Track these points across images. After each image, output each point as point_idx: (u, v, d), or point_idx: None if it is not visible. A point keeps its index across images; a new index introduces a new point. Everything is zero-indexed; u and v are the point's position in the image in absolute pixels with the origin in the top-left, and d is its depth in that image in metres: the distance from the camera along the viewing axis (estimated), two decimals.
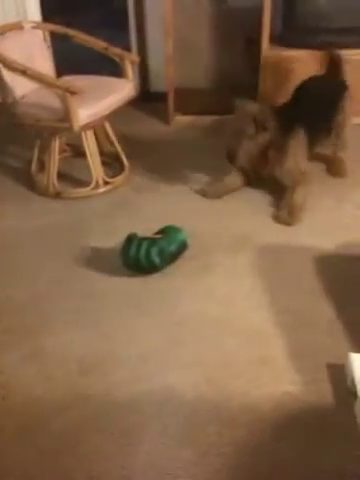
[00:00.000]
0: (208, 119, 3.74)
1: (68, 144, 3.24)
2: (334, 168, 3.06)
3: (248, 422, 1.62)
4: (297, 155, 2.70)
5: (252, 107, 2.65)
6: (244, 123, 2.57)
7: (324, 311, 2.02)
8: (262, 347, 1.88)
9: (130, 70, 2.97)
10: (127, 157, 3.12)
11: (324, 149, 3.04)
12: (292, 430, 1.60)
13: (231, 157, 2.61)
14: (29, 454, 1.54)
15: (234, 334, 1.93)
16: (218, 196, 2.82)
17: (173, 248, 2.25)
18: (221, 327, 1.97)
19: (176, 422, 1.62)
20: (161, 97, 3.78)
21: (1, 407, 1.68)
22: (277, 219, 2.60)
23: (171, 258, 2.26)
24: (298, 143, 2.69)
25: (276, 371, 1.78)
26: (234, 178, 2.86)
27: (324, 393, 1.70)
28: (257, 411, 1.65)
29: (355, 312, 2.00)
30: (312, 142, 2.79)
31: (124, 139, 3.21)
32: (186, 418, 1.64)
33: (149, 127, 3.77)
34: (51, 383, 1.75)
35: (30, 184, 2.99)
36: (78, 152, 3.08)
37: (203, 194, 2.84)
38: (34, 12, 3.87)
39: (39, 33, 3.02)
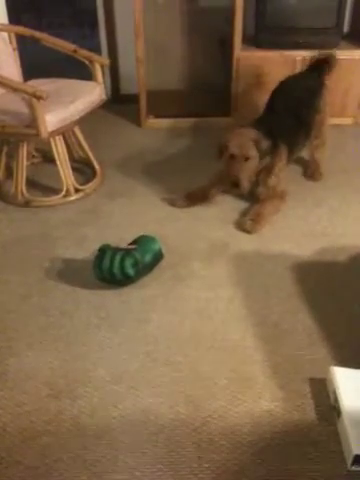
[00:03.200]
0: (181, 121, 3.66)
1: (37, 149, 3.13)
2: (310, 171, 3.02)
3: (228, 445, 1.55)
4: (280, 173, 2.66)
5: (251, 132, 2.57)
6: (247, 148, 2.51)
7: (304, 322, 1.96)
8: (241, 362, 1.80)
9: (100, 73, 2.87)
10: (99, 162, 3.03)
11: (302, 151, 2.99)
12: (273, 451, 1.53)
13: (236, 184, 2.53)
14: None
15: (211, 349, 1.86)
16: (187, 206, 2.73)
17: (148, 259, 2.17)
18: (198, 342, 1.89)
19: (153, 448, 1.54)
20: (133, 99, 3.70)
21: None
22: (239, 225, 2.55)
23: (146, 269, 2.18)
24: (282, 161, 2.66)
25: (256, 388, 1.71)
26: (207, 189, 2.76)
27: (306, 409, 1.64)
28: (237, 432, 1.58)
29: (335, 322, 1.95)
30: (293, 151, 2.75)
31: (95, 143, 3.11)
32: (163, 443, 1.55)
33: (121, 130, 3.68)
34: (19, 409, 1.65)
35: None
36: (48, 158, 2.98)
37: (172, 204, 2.74)
38: (0, 13, 3.73)
39: (4, 35, 2.91)
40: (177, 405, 1.66)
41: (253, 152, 2.51)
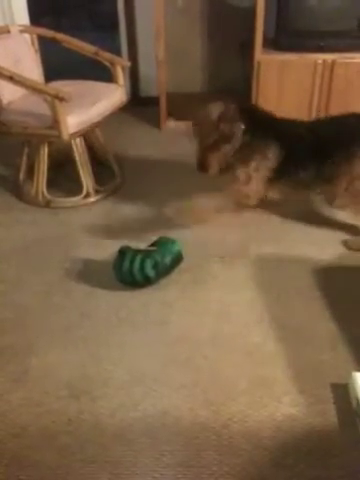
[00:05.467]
0: None
1: (58, 151, 3.14)
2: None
3: (248, 449, 1.54)
4: (254, 172, 2.35)
5: (214, 110, 2.31)
6: (207, 130, 2.30)
7: (326, 326, 1.94)
8: (262, 366, 1.79)
9: (121, 75, 2.88)
10: (119, 164, 3.03)
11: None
12: (294, 456, 1.51)
13: (202, 167, 2.38)
14: None
15: (232, 352, 1.85)
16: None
17: (168, 260, 2.17)
18: (218, 344, 1.88)
19: (172, 450, 1.53)
20: (153, 102, 3.70)
21: None
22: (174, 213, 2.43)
23: (166, 271, 2.18)
24: (263, 161, 2.34)
25: (277, 392, 1.69)
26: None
27: (328, 415, 1.62)
28: (257, 436, 1.57)
29: (358, 327, 1.92)
30: (288, 171, 2.37)
31: (116, 145, 3.12)
32: (183, 446, 1.54)
33: (141, 133, 3.68)
34: (39, 410, 1.65)
35: (18, 193, 2.89)
36: (69, 159, 2.99)
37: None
38: (22, 15, 3.77)
39: (26, 37, 2.93)
40: (197, 408, 1.65)
41: (212, 136, 2.28)
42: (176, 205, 2.51)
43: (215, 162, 2.35)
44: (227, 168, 2.40)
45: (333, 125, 2.43)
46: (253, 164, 2.35)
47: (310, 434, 1.57)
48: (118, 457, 1.52)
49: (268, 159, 2.34)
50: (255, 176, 2.36)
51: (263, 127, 2.37)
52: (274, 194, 2.51)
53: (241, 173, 2.37)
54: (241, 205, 2.44)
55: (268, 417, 1.62)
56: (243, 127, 2.31)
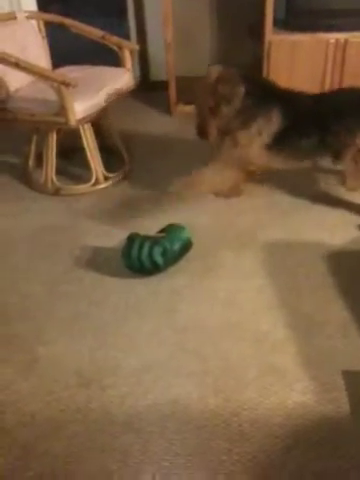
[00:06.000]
0: None
1: (66, 137, 3.11)
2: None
3: (259, 437, 1.52)
4: (257, 136, 2.28)
5: (213, 72, 2.27)
6: (206, 93, 2.24)
7: (337, 313, 1.90)
8: (272, 353, 1.76)
9: (129, 59, 2.84)
10: (128, 150, 3.01)
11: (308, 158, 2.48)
12: (305, 444, 1.49)
13: (201, 133, 2.33)
14: (27, 476, 1.45)
15: (241, 340, 1.82)
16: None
17: (177, 247, 2.14)
18: (227, 332, 1.86)
19: (182, 439, 1.52)
20: (162, 86, 3.66)
21: None
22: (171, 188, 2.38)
23: (175, 258, 2.15)
24: (265, 125, 2.27)
25: (287, 379, 1.67)
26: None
27: (339, 402, 1.59)
28: (268, 424, 1.55)
29: None
30: (291, 139, 2.31)
31: (125, 131, 3.09)
32: (192, 434, 1.53)
33: (150, 118, 3.65)
34: (49, 398, 1.65)
35: (27, 181, 2.88)
36: (77, 146, 2.96)
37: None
38: (29, 1, 3.73)
39: (33, 23, 2.90)
40: (207, 396, 1.63)
41: (210, 100, 2.23)
42: (178, 180, 2.42)
43: (214, 127, 2.29)
44: (227, 133, 2.33)
45: (338, 96, 2.39)
46: (255, 127, 2.27)
47: (321, 422, 1.55)
48: (127, 445, 1.51)
49: (271, 123, 2.27)
50: (257, 140, 2.29)
51: (266, 92, 2.31)
52: (277, 164, 2.44)
53: (242, 136, 2.29)
54: (242, 171, 2.39)
55: (279, 405, 1.60)
56: (243, 89, 2.24)
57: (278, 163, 2.43)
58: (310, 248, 2.24)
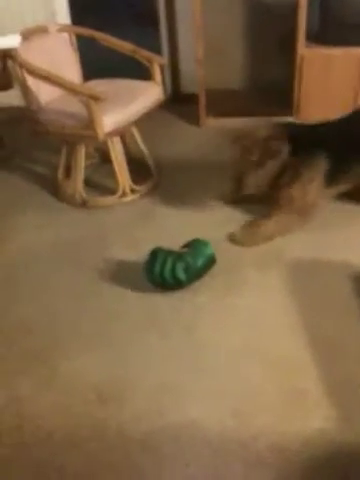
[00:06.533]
0: (242, 121, 3.58)
1: (96, 149, 3.15)
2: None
3: (277, 463, 1.48)
4: (309, 184, 2.36)
5: (261, 130, 2.37)
6: (250, 149, 2.33)
7: None
8: (293, 377, 1.72)
9: (158, 73, 2.85)
10: (156, 163, 3.01)
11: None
12: (325, 473, 1.45)
13: (237, 184, 2.40)
14: None
15: (263, 361, 1.79)
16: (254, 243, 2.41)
17: (200, 263, 2.12)
18: (248, 353, 1.83)
19: (198, 461, 1.50)
20: (192, 99, 3.66)
21: (15, 438, 1.60)
22: (232, 236, 2.41)
23: (198, 274, 2.14)
24: (314, 172, 2.35)
25: (309, 405, 1.63)
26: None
27: None
28: (287, 450, 1.51)
29: None
30: (339, 176, 2.41)
31: (153, 144, 3.09)
32: (209, 457, 1.51)
33: (180, 131, 3.65)
34: (67, 413, 1.66)
35: (56, 192, 2.91)
36: (105, 158, 2.99)
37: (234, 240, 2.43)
38: (63, 14, 3.80)
39: (65, 36, 2.94)
40: (224, 419, 1.61)
41: (255, 154, 2.31)
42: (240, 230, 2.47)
43: (254, 179, 2.36)
44: (275, 188, 2.41)
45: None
46: (306, 176, 2.35)
47: (342, 451, 1.50)
48: (143, 465, 1.50)
49: (319, 167, 2.35)
50: (311, 187, 2.37)
51: (304, 141, 2.37)
52: (335, 193, 2.53)
53: (296, 190, 2.37)
54: (303, 219, 2.43)
55: (298, 431, 1.56)
56: (289, 147, 2.33)
57: (336, 192, 2.52)
58: (337, 269, 2.18)
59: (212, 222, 2.56)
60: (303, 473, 1.46)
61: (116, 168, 2.76)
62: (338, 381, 1.70)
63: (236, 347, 1.85)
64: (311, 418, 1.59)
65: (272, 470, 1.47)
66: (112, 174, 2.78)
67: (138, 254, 2.31)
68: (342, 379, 1.70)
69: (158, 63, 2.83)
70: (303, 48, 3.29)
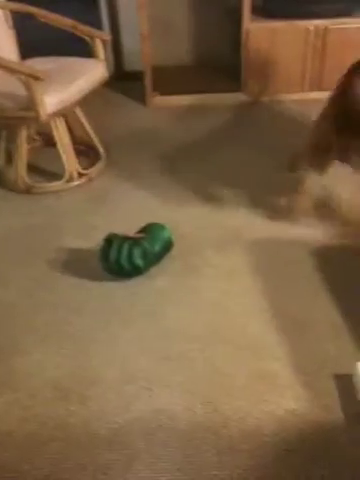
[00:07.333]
0: (189, 98, 3.49)
1: (38, 132, 2.98)
2: None
3: (250, 448, 1.45)
4: None
5: None
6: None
7: (327, 314, 1.83)
8: (261, 359, 1.69)
9: (101, 49, 2.71)
10: (103, 144, 2.88)
11: None
12: (299, 454, 1.43)
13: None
14: None
15: (228, 345, 1.74)
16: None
17: (157, 248, 2.05)
18: (214, 337, 1.77)
19: (169, 453, 1.44)
20: (138, 76, 3.53)
21: None
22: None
23: (155, 259, 2.06)
24: None
25: (278, 386, 1.60)
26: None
27: (332, 409, 1.53)
28: (259, 434, 1.48)
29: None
30: None
31: (99, 124, 2.95)
32: (180, 448, 1.45)
33: (126, 110, 3.52)
34: (26, 414, 1.55)
35: None
36: (49, 141, 2.83)
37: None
38: None
39: None
40: (194, 406, 1.55)
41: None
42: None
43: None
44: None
45: None
46: None
47: (315, 430, 1.48)
48: (111, 462, 1.43)
49: None
50: None
51: None
52: None
53: None
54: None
55: (270, 413, 1.53)
56: None
57: None
58: (297, 245, 2.16)
59: (167, 203, 2.47)
60: (277, 456, 1.43)
61: (61, 151, 2.62)
62: (305, 359, 1.67)
63: (201, 331, 1.80)
64: (282, 400, 1.56)
65: (246, 455, 1.43)
66: (57, 158, 2.63)
67: (91, 242, 2.20)
68: (310, 358, 1.68)
69: (100, 39, 2.69)
70: (248, 22, 3.23)
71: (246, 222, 2.33)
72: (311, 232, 2.23)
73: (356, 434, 1.46)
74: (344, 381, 1.59)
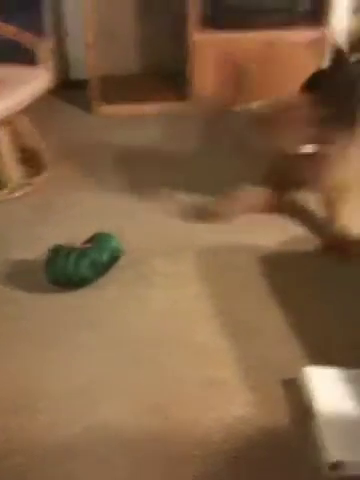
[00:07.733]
0: (135, 108, 3.48)
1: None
2: None
3: (200, 456, 1.43)
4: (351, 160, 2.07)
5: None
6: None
7: (275, 319, 1.85)
8: (209, 365, 1.69)
9: (44, 58, 2.67)
10: (48, 153, 2.83)
11: None
12: (247, 460, 1.43)
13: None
14: None
15: (178, 352, 1.74)
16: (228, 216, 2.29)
17: (105, 258, 2.02)
18: (164, 345, 1.77)
19: (114, 466, 1.40)
20: (83, 85, 3.50)
21: None
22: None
23: (104, 269, 2.03)
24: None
25: (227, 392, 1.60)
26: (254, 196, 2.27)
27: (279, 414, 1.54)
28: (209, 442, 1.47)
29: (307, 318, 1.86)
30: None
31: (44, 133, 2.90)
32: (127, 460, 1.42)
33: (72, 118, 3.48)
34: None
35: None
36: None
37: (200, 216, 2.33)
38: None
39: None
40: (142, 415, 1.53)
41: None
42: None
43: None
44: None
45: None
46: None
47: (261, 435, 1.49)
48: (64, 476, 1.38)
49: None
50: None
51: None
52: None
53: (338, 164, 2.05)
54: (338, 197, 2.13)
55: (218, 420, 1.52)
56: None
57: None
58: (246, 252, 2.18)
59: (114, 213, 2.45)
60: (227, 464, 1.42)
61: (3, 162, 2.55)
62: (254, 365, 1.69)
63: (151, 340, 1.79)
64: (231, 406, 1.56)
65: (196, 465, 1.42)
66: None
67: (36, 253, 2.14)
68: (258, 362, 1.69)
69: (43, 47, 2.66)
70: (195, 33, 3.25)
71: (195, 229, 2.34)
72: (260, 238, 2.26)
73: (301, 438, 1.48)
74: (291, 386, 1.61)
